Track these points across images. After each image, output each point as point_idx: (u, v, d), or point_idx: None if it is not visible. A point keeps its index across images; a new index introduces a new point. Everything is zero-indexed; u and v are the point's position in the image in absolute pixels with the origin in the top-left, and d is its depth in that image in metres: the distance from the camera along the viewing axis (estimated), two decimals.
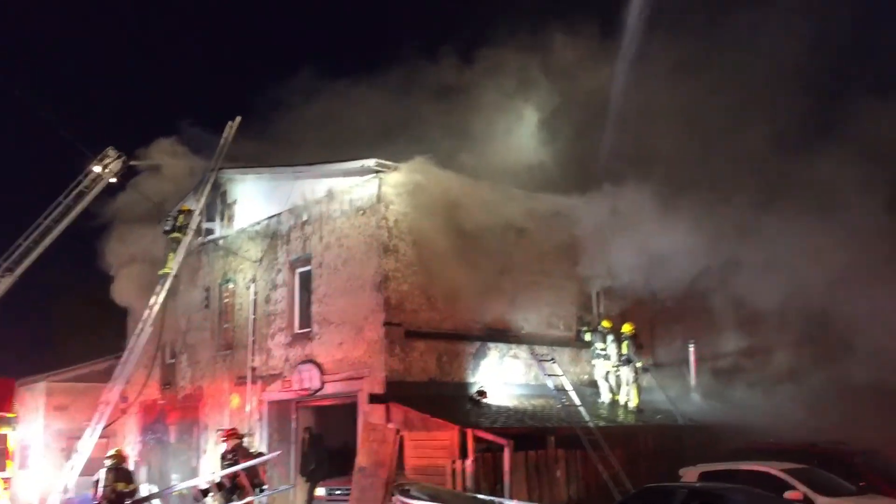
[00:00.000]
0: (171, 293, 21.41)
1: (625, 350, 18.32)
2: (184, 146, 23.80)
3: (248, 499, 14.33)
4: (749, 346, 18.22)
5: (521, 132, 18.60)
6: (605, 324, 18.99)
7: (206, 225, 22.36)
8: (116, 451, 16.01)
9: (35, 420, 24.35)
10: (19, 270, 22.27)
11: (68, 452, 22.28)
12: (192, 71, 60.05)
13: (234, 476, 14.56)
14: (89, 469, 19.65)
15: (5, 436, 15.17)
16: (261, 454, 16.09)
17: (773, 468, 12.86)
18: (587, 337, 18.90)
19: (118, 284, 24.02)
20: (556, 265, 19.02)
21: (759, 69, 17.57)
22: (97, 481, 15.11)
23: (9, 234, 22.69)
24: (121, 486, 15.09)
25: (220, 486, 14.85)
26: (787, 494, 12.04)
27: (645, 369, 18.74)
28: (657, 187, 16.44)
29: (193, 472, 21.23)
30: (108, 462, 15.26)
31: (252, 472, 14.73)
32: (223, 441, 15.70)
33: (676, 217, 16.22)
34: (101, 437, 20.26)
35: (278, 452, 15.52)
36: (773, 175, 16.83)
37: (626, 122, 18.01)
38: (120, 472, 15.31)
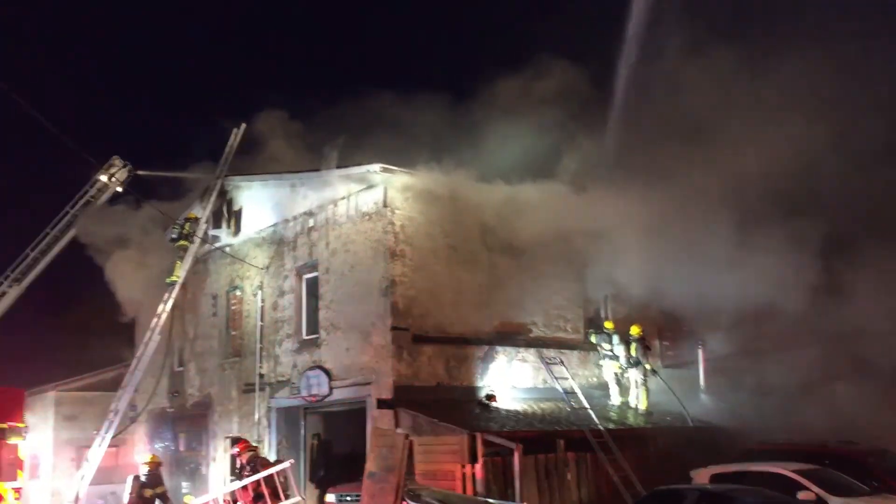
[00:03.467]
0: (179, 301, 21.46)
1: (633, 352, 18.32)
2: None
3: None
4: (758, 346, 18.12)
5: (530, 135, 18.48)
6: (608, 325, 19.03)
7: (212, 232, 22.40)
8: (150, 457, 16.25)
9: (45, 430, 24.40)
10: (27, 281, 22.39)
11: (78, 462, 22.36)
12: (199, 76, 60.24)
13: (256, 487, 14.62)
14: (99, 478, 19.71)
15: (16, 446, 15.16)
16: (280, 462, 16.11)
17: (784, 469, 12.81)
18: (592, 339, 18.91)
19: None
20: (563, 268, 19.01)
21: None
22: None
23: (16, 244, 22.83)
24: (147, 492, 15.26)
25: (234, 499, 14.99)
26: (800, 495, 11.98)
27: (653, 371, 18.68)
28: (666, 192, 16.38)
29: (203, 480, 21.27)
30: (143, 468, 15.55)
31: (273, 482, 14.78)
32: (237, 455, 15.74)
33: (686, 222, 16.19)
34: (110, 446, 20.30)
35: (291, 461, 15.55)
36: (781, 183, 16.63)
37: (637, 127, 17.89)
38: (150, 478, 15.51)
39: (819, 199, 16.36)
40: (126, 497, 15.36)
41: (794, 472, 12.66)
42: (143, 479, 15.50)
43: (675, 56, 17.52)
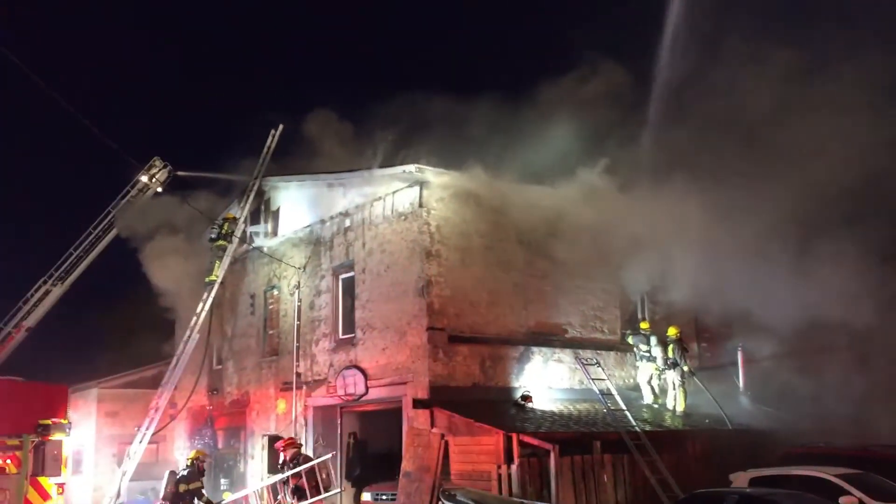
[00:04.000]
0: (218, 300, 21.73)
1: (670, 353, 18.15)
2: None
3: (316, 499, 14.67)
4: (800, 347, 17.82)
5: (570, 136, 18.34)
6: (644, 325, 18.89)
7: (251, 229, 22.65)
8: (194, 452, 16.59)
9: (87, 426, 24.87)
10: (70, 280, 22.90)
11: (119, 458, 22.76)
12: (236, 78, 60.92)
13: (297, 481, 14.87)
14: (140, 474, 20.06)
15: (59, 442, 15.44)
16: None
17: (826, 473, 12.59)
18: (629, 340, 18.80)
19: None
20: (600, 268, 18.89)
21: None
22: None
23: (60, 244, 23.32)
24: (182, 487, 15.55)
25: (275, 493, 15.30)
26: (843, 500, 11.76)
27: (691, 373, 18.47)
28: (706, 191, 16.14)
29: (241, 477, 21.51)
30: (184, 462, 15.94)
31: (316, 477, 15.01)
32: (281, 451, 15.96)
33: (723, 221, 15.96)
34: (150, 442, 20.65)
35: (332, 453, 15.83)
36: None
37: (679, 123, 17.64)
38: (187, 473, 15.80)
39: (876, 203, 15.99)
40: (162, 491, 15.68)
41: (836, 476, 12.43)
42: (179, 474, 15.77)
43: (731, 54, 17.25)
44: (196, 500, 15.74)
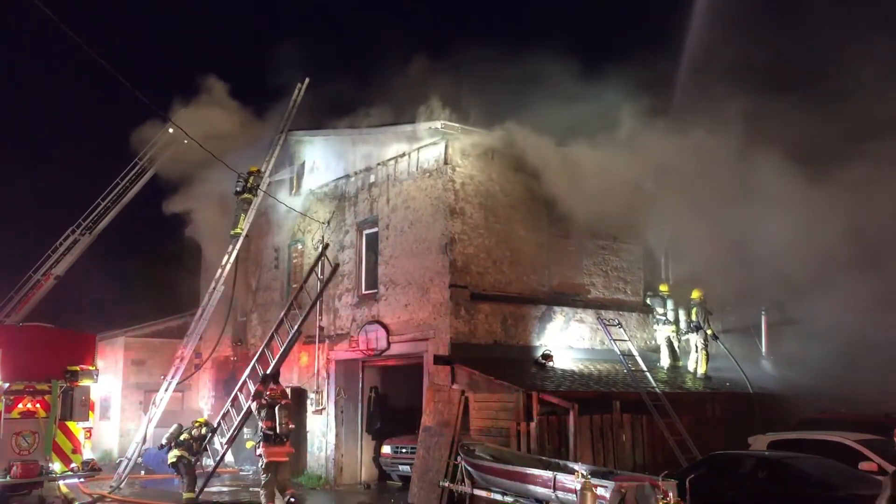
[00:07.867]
0: (242, 253, 21.88)
1: (693, 316, 18.09)
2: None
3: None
4: (824, 311, 17.66)
5: (594, 93, 18.11)
6: (663, 288, 18.83)
7: (277, 177, 22.63)
8: (202, 419, 17.03)
9: (114, 373, 25.33)
10: (98, 229, 23.22)
11: (145, 405, 23.19)
12: (260, 30, 60.55)
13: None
14: (165, 421, 20.48)
15: (87, 388, 15.75)
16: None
17: (846, 438, 12.58)
18: (648, 301, 18.78)
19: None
20: (624, 229, 18.78)
21: None
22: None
23: (89, 194, 23.59)
24: (185, 436, 16.05)
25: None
26: (862, 465, 11.76)
27: (714, 336, 18.41)
28: (733, 149, 15.92)
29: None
30: (194, 423, 16.41)
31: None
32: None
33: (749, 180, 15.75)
34: (175, 391, 21.01)
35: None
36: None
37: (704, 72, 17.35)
38: (192, 429, 16.24)
39: None
40: (165, 439, 16.26)
41: (856, 441, 12.41)
42: (184, 427, 16.28)
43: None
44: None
